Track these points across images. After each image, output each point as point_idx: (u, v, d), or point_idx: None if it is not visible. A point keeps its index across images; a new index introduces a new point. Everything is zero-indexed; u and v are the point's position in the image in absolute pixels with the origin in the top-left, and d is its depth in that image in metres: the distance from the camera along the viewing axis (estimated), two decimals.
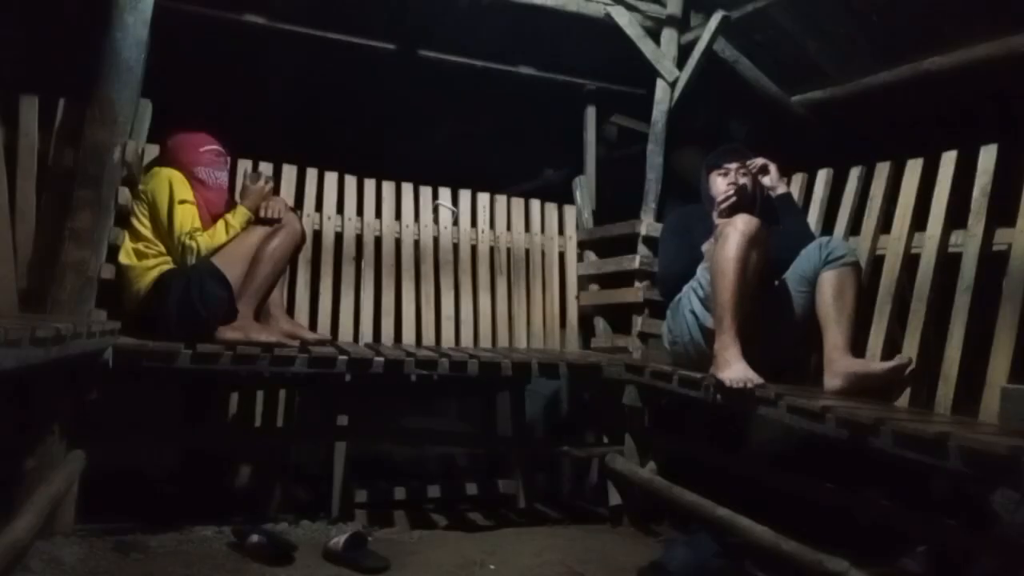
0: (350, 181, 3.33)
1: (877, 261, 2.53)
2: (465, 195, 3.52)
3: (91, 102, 2.49)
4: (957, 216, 2.31)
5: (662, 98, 3.37)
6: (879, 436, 1.79)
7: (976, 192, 2.26)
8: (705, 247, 2.65)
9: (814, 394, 2.21)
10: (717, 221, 2.63)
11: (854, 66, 3.30)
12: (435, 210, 3.46)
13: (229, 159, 2.88)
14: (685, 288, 2.67)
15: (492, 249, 3.51)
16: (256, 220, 2.74)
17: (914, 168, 2.49)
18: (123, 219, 2.62)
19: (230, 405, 3.16)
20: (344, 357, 2.63)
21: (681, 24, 3.45)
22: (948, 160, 2.38)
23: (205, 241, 2.61)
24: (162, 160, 2.77)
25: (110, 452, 2.59)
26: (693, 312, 2.59)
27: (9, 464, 2.26)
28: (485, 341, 3.38)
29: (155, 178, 2.66)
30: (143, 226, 2.64)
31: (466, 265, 3.43)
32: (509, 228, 3.56)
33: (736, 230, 2.35)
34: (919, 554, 2.46)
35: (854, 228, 2.65)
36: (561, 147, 4.29)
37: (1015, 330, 2.03)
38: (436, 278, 3.37)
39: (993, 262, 2.18)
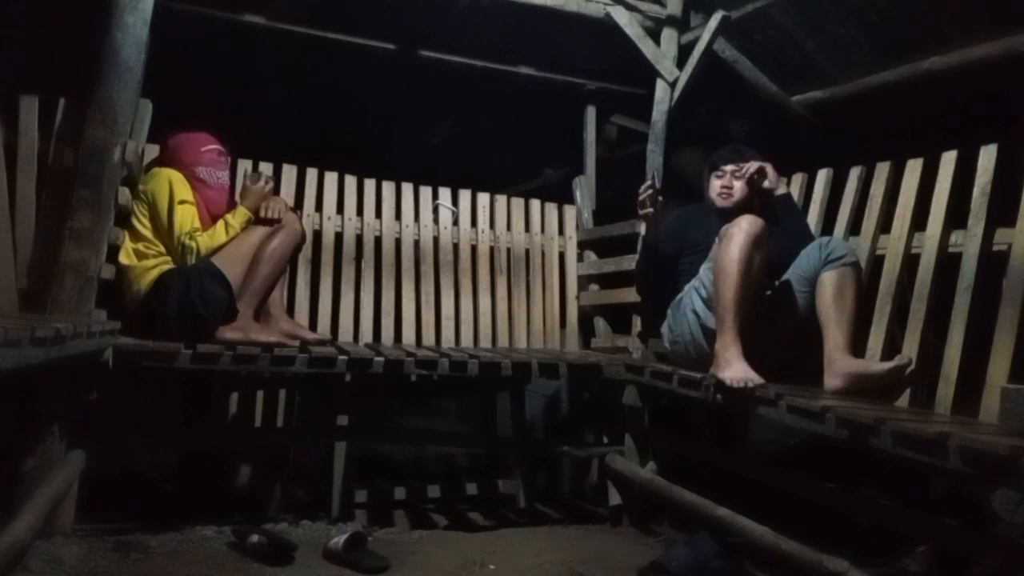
0: (350, 181, 3.33)
1: (877, 261, 2.53)
2: (465, 195, 3.52)
3: (91, 102, 2.49)
4: (957, 216, 2.32)
5: (662, 98, 3.37)
6: (879, 436, 1.79)
7: (976, 192, 2.26)
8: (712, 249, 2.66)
9: (814, 394, 2.21)
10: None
11: (854, 66, 3.30)
12: (435, 210, 3.46)
13: (229, 159, 2.88)
14: (687, 287, 2.68)
15: (492, 249, 3.51)
16: (256, 220, 2.74)
17: (914, 168, 2.49)
18: (123, 219, 2.61)
19: (230, 405, 3.16)
20: (344, 357, 2.63)
21: (681, 24, 3.45)
22: (948, 160, 2.38)
23: (205, 241, 2.61)
24: (162, 160, 2.76)
25: (110, 452, 2.59)
26: (695, 312, 2.59)
27: (9, 464, 2.26)
28: (485, 341, 3.38)
29: (155, 178, 2.66)
30: (143, 226, 2.63)
31: (466, 265, 3.43)
32: (509, 228, 3.56)
33: (741, 230, 2.36)
34: (919, 554, 2.46)
35: (854, 228, 2.66)
36: (561, 147, 4.29)
37: (1015, 330, 2.03)
38: (436, 278, 3.37)
39: (993, 262, 2.18)
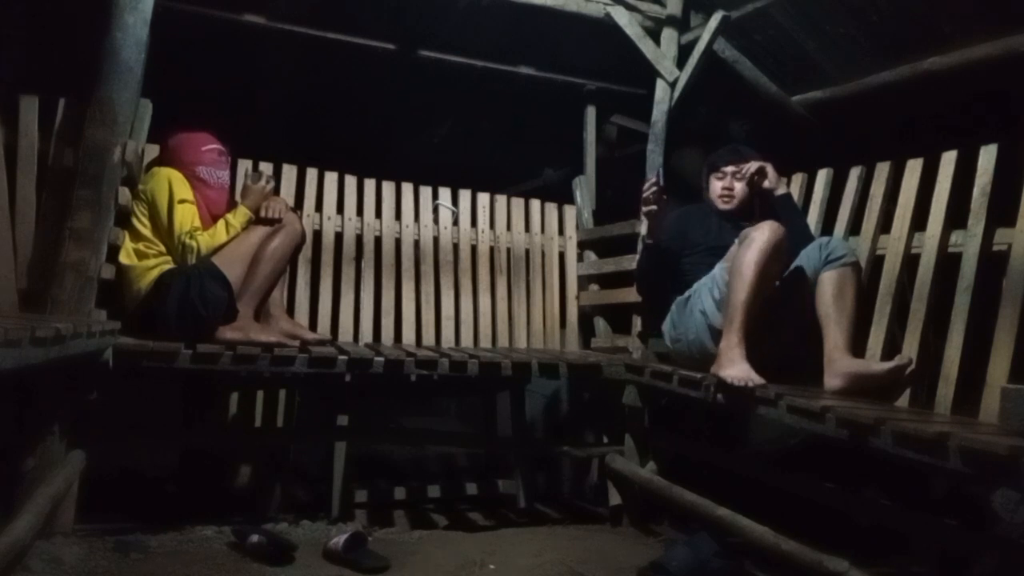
0: (350, 181, 3.33)
1: (877, 261, 2.53)
2: (465, 195, 3.52)
3: (91, 102, 2.49)
4: (957, 216, 2.32)
5: (662, 98, 3.37)
6: (879, 436, 1.79)
7: (976, 192, 2.26)
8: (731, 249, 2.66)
9: (814, 394, 2.21)
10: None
11: (854, 66, 3.30)
12: (435, 210, 3.46)
13: (230, 158, 2.88)
14: (696, 286, 2.66)
15: (492, 249, 3.51)
16: (257, 220, 2.74)
17: (914, 168, 2.49)
18: (123, 219, 2.61)
19: (230, 405, 3.16)
20: (344, 357, 2.63)
21: (681, 24, 3.45)
22: (948, 160, 2.38)
23: (205, 241, 2.61)
24: (163, 160, 2.76)
25: (110, 452, 2.58)
26: (703, 311, 2.57)
27: (9, 464, 2.26)
28: (485, 341, 3.38)
29: (155, 178, 2.66)
30: (143, 226, 2.63)
31: (466, 265, 3.43)
32: (509, 228, 3.56)
33: (764, 237, 2.36)
34: (919, 554, 2.46)
35: (854, 228, 2.66)
36: (561, 147, 4.29)
37: (1015, 330, 2.03)
38: (436, 278, 3.37)
39: (993, 262, 2.18)
